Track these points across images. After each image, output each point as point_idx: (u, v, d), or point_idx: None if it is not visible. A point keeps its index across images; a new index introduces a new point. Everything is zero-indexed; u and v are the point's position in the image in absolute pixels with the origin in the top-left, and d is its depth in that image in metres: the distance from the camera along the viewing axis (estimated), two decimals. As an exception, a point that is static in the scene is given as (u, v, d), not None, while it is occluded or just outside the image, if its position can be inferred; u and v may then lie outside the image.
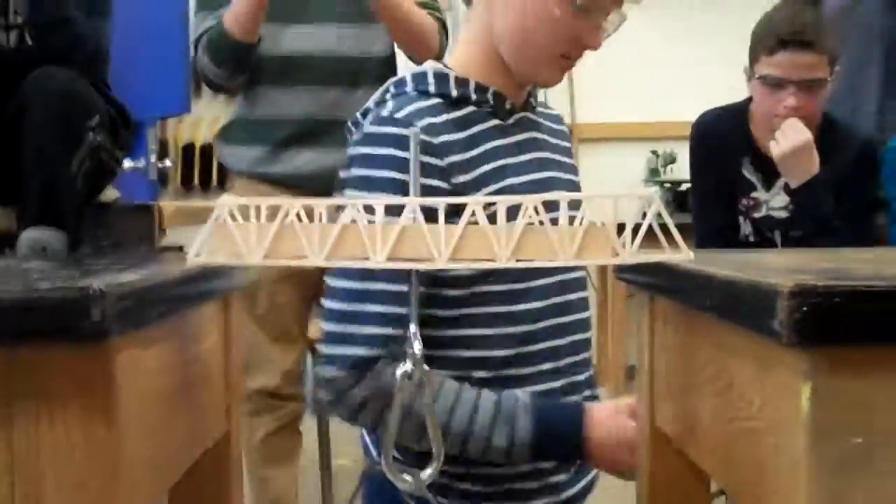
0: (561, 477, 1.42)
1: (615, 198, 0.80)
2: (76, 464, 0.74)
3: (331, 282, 1.35)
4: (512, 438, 1.30)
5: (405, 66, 2.63)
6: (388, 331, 1.30)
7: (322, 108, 2.54)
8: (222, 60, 2.51)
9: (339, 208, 0.82)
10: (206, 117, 4.88)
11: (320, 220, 0.82)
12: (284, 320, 2.60)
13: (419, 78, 1.41)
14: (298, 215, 0.82)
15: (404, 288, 1.31)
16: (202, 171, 5.09)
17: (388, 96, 1.42)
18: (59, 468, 0.74)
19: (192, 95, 3.66)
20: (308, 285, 2.61)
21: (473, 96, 1.40)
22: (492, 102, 1.41)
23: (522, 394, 1.32)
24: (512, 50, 1.40)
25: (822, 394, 0.72)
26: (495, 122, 1.41)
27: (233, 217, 0.83)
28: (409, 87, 1.41)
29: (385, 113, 1.37)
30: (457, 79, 1.40)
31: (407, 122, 1.34)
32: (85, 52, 2.37)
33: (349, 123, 1.45)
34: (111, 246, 2.52)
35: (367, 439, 1.47)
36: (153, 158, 3.16)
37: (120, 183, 2.79)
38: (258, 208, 0.84)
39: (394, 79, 1.44)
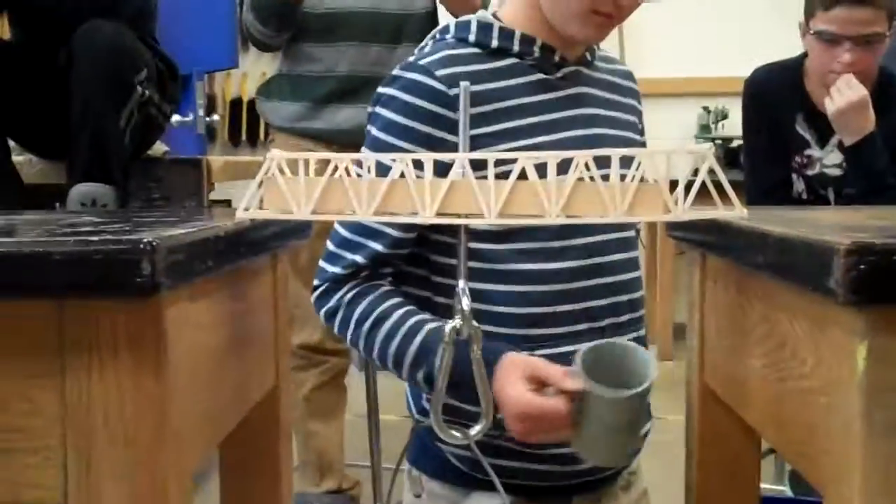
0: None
1: (668, 154, 0.79)
2: (126, 416, 0.74)
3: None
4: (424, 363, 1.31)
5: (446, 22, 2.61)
6: (357, 258, 1.33)
7: (363, 65, 2.53)
8: (267, 18, 2.51)
9: (380, 164, 0.82)
10: (254, 72, 4.89)
11: (369, 173, 0.81)
12: None
13: (462, 26, 1.39)
14: (347, 170, 0.82)
15: (374, 224, 1.31)
16: (249, 126, 5.10)
17: (429, 42, 1.40)
18: (110, 420, 0.74)
19: (240, 50, 3.67)
20: None
21: (516, 48, 1.38)
22: (537, 55, 1.39)
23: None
24: (544, 3, 1.38)
25: (878, 354, 0.71)
26: (539, 75, 1.39)
27: (281, 171, 0.83)
28: (450, 35, 1.39)
29: (411, 58, 1.36)
30: (501, 29, 1.38)
31: (426, 70, 1.33)
32: (132, 5, 2.37)
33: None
34: (160, 200, 2.54)
35: (410, 396, 1.47)
36: (201, 113, 3.17)
37: (168, 137, 2.80)
38: (307, 163, 0.83)
39: (440, 27, 1.43)
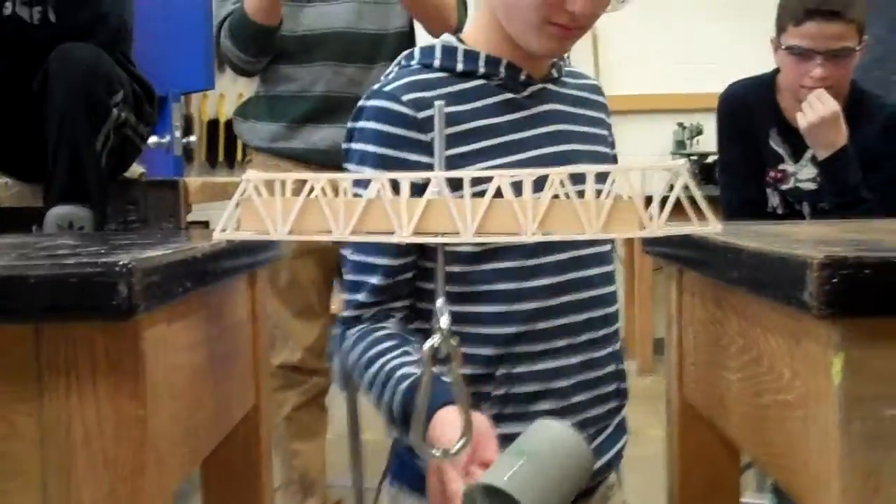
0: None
1: (643, 170, 0.79)
2: (106, 438, 0.74)
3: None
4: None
5: (424, 41, 2.62)
6: (359, 297, 1.34)
7: (339, 85, 2.54)
8: (246, 45, 2.52)
9: (361, 183, 0.82)
10: (230, 93, 4.89)
11: (345, 194, 0.82)
12: (306, 295, 2.61)
13: (426, 52, 1.40)
14: (324, 190, 0.82)
15: (369, 259, 1.34)
16: (227, 147, 5.09)
17: (394, 69, 1.41)
18: (90, 443, 0.74)
19: (216, 71, 3.67)
20: (329, 260, 2.62)
21: (482, 69, 1.38)
22: (503, 75, 1.39)
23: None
24: (503, 18, 1.39)
25: (854, 365, 0.72)
26: (507, 95, 1.39)
27: (258, 192, 0.83)
28: (415, 61, 1.40)
29: (376, 86, 1.37)
30: (466, 52, 1.39)
31: (391, 95, 1.34)
32: (108, 28, 2.37)
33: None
34: (137, 222, 2.53)
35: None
36: (178, 134, 3.17)
37: (145, 159, 2.79)
38: (283, 183, 0.83)
39: (405, 52, 1.43)
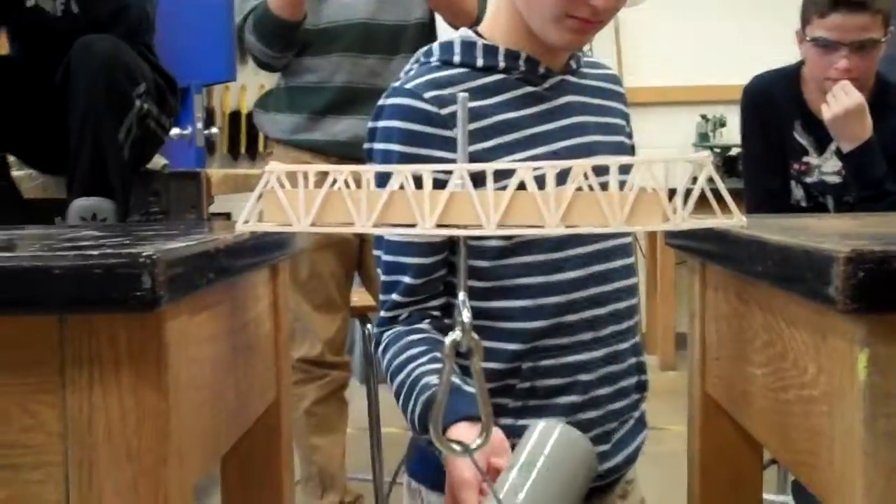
0: (602, 448, 1.41)
1: (667, 162, 0.79)
2: (128, 431, 0.74)
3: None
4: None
5: (444, 32, 2.62)
6: (393, 297, 1.34)
7: (359, 76, 2.54)
8: (271, 40, 2.52)
9: (384, 179, 0.82)
10: (252, 85, 4.89)
11: (368, 186, 0.81)
12: (326, 289, 2.61)
13: (445, 47, 1.40)
14: (346, 182, 0.82)
15: (401, 259, 1.33)
16: (248, 139, 5.10)
17: (413, 66, 1.41)
18: (112, 435, 0.74)
19: (238, 63, 3.67)
20: (349, 254, 2.62)
21: (502, 63, 1.38)
22: (523, 68, 1.39)
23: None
24: (524, 11, 1.39)
25: (879, 361, 0.71)
26: (528, 88, 1.39)
27: (281, 184, 0.83)
28: (434, 57, 1.40)
29: (396, 84, 1.37)
30: (485, 46, 1.38)
31: (412, 93, 1.33)
32: (129, 19, 2.37)
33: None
34: (160, 213, 2.54)
35: None
36: (200, 126, 3.17)
37: (167, 150, 2.80)
38: (306, 175, 0.83)
39: (423, 49, 1.43)
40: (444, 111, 1.33)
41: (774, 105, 2.50)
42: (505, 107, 1.36)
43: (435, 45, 1.42)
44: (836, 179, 2.45)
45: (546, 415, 1.35)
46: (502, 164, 0.82)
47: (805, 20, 2.37)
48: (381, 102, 1.38)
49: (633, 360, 1.43)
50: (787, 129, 2.48)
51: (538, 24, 1.37)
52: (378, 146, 1.36)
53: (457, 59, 1.38)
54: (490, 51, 1.38)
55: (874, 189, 2.31)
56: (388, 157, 1.33)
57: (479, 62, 1.38)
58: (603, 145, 1.43)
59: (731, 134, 5.07)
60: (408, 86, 1.35)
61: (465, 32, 1.42)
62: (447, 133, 1.32)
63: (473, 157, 1.32)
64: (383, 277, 1.36)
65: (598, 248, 1.38)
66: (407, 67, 1.44)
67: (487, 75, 1.37)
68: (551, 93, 1.40)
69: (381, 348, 1.35)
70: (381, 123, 1.36)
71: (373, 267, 2.60)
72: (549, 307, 1.35)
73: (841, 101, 2.28)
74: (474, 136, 1.32)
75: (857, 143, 2.30)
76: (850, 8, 2.27)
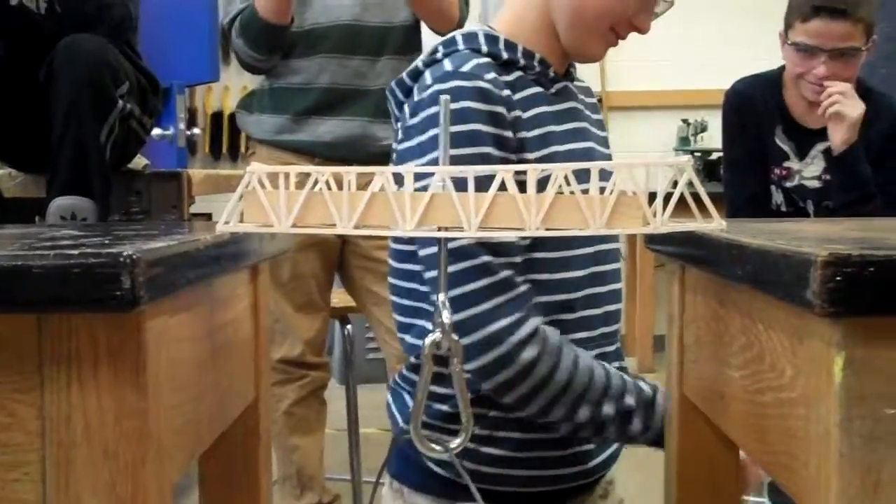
0: (588, 447, 1.42)
1: (647, 166, 0.79)
2: (107, 430, 0.74)
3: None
4: (618, 410, 1.32)
5: (430, 35, 2.62)
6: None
7: (344, 77, 2.54)
8: (258, 43, 2.52)
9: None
10: (235, 85, 4.89)
11: (349, 188, 0.82)
12: (307, 289, 2.61)
13: (470, 38, 1.39)
14: (327, 183, 0.82)
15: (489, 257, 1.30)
16: (231, 139, 5.09)
17: (439, 55, 1.39)
18: (90, 434, 0.74)
19: (221, 63, 3.67)
20: (330, 255, 2.62)
21: (521, 61, 1.38)
22: (538, 69, 1.40)
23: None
24: (566, 19, 1.39)
25: (856, 364, 0.72)
26: (539, 89, 1.40)
27: (262, 185, 0.83)
28: (462, 46, 1.38)
29: (449, 68, 1.34)
30: (506, 42, 1.39)
31: (473, 76, 1.32)
32: (111, 18, 2.37)
33: (392, 86, 1.42)
34: (140, 213, 2.53)
35: (393, 408, 1.47)
36: (182, 126, 3.17)
37: (149, 150, 2.80)
38: (287, 176, 0.83)
39: (443, 40, 1.41)
40: (503, 93, 1.33)
41: (756, 110, 2.51)
42: (531, 102, 1.37)
43: (457, 36, 1.40)
44: (816, 184, 2.46)
45: None
46: (484, 167, 0.82)
47: (788, 24, 2.39)
48: (436, 88, 1.33)
49: (616, 364, 1.44)
50: (769, 133, 2.50)
51: (577, 35, 1.39)
52: (454, 129, 1.29)
53: (484, 48, 1.37)
54: (511, 47, 1.38)
55: (862, 190, 2.32)
56: (475, 139, 1.30)
57: (504, 55, 1.38)
58: (597, 153, 1.45)
59: (712, 138, 5.09)
60: (464, 69, 1.33)
61: (483, 26, 1.42)
62: (507, 114, 1.32)
63: (526, 143, 1.33)
64: (486, 257, 1.31)
65: (599, 249, 1.39)
66: (424, 58, 1.39)
67: (510, 71, 1.37)
68: (557, 97, 1.41)
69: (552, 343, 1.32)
70: (437, 109, 1.31)
71: (353, 268, 2.61)
72: (552, 304, 1.35)
73: (856, 106, 2.28)
74: (523, 124, 1.33)
75: (847, 146, 2.31)
76: (831, 15, 2.29)
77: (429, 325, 1.34)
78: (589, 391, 1.31)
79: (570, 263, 1.37)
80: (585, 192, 0.78)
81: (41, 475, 0.75)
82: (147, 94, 2.49)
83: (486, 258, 1.28)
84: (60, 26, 2.25)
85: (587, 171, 0.79)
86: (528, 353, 1.28)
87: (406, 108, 1.38)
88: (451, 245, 1.28)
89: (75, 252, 0.72)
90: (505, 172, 0.79)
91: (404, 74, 1.40)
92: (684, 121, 5.36)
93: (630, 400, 1.32)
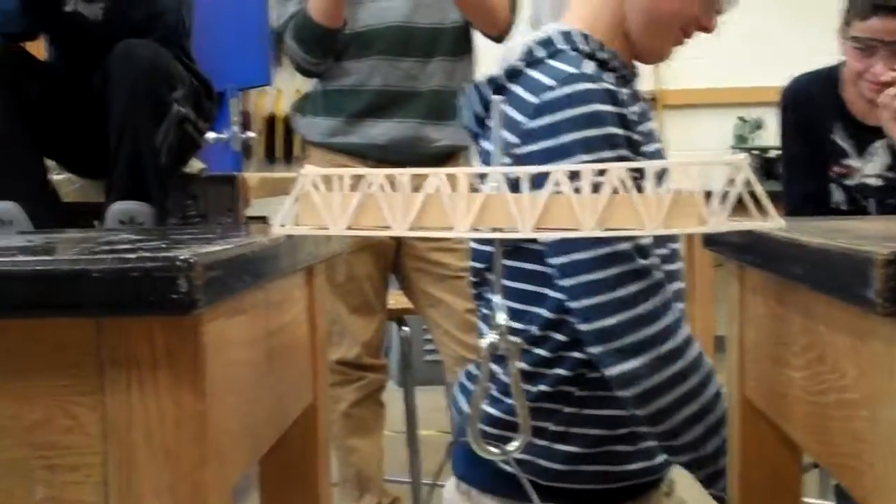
0: (653, 442, 1.41)
1: (703, 165, 0.78)
2: (167, 433, 0.75)
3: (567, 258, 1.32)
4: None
5: (482, 38, 2.61)
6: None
7: (396, 79, 2.54)
8: (311, 47, 2.53)
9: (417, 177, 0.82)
10: (288, 89, 4.92)
11: (403, 189, 0.82)
12: (363, 291, 2.61)
13: (567, 37, 1.37)
14: (381, 185, 0.82)
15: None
16: (285, 142, 5.13)
17: (541, 55, 1.36)
18: (151, 437, 0.75)
19: (273, 67, 3.69)
20: (385, 256, 2.62)
21: (611, 63, 1.38)
22: (619, 71, 1.40)
23: None
24: (642, 20, 1.39)
25: (920, 364, 0.70)
26: (625, 89, 1.40)
27: (316, 188, 0.84)
28: (563, 45, 1.36)
29: (570, 69, 1.32)
30: (599, 42, 1.39)
31: (598, 78, 1.31)
32: (165, 24, 2.39)
33: (479, 85, 1.40)
34: (197, 217, 2.55)
35: (462, 403, 1.47)
36: (236, 129, 3.19)
37: (205, 154, 2.82)
38: (341, 179, 0.84)
39: (538, 39, 1.38)
40: (622, 97, 1.34)
41: (814, 107, 2.48)
42: (627, 103, 1.36)
43: (553, 35, 1.38)
44: (878, 182, 2.42)
45: (608, 407, 1.35)
46: (540, 167, 0.81)
47: (846, 21, 2.36)
48: (564, 92, 1.31)
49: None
50: (827, 131, 2.46)
51: (650, 36, 1.39)
52: (586, 134, 1.29)
53: (584, 49, 1.37)
54: (601, 47, 1.38)
55: None
56: (614, 143, 1.29)
57: (601, 56, 1.37)
58: (663, 155, 1.45)
59: (769, 136, 5.03)
60: (587, 71, 1.32)
61: (569, 25, 1.41)
62: (626, 113, 1.32)
63: (641, 138, 1.34)
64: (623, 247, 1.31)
65: (672, 248, 1.39)
66: (520, 56, 1.37)
67: (604, 70, 1.37)
68: (634, 98, 1.41)
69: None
70: (578, 110, 1.30)
71: (409, 270, 2.61)
72: None
73: None
74: (634, 122, 1.33)
75: None
76: (891, 12, 2.25)
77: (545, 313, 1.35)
78: (723, 420, 1.30)
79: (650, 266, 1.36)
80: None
81: (103, 477, 0.75)
82: (201, 99, 2.51)
83: (642, 262, 1.29)
84: (114, 33, 2.27)
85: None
86: (693, 352, 1.30)
87: (510, 109, 1.35)
88: (603, 249, 1.28)
89: (133, 256, 0.72)
90: (559, 173, 0.79)
91: (502, 73, 1.37)
92: (741, 118, 5.30)
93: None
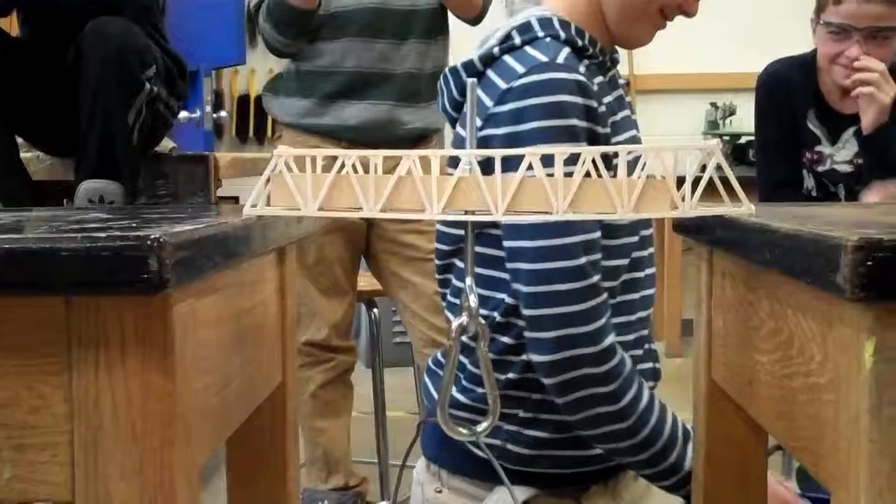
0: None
1: (675, 150, 0.79)
2: (134, 413, 0.75)
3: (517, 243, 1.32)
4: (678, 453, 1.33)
5: (456, 20, 2.61)
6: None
7: (369, 60, 2.53)
8: (284, 28, 2.51)
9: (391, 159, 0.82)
10: (262, 68, 4.89)
11: (375, 171, 0.81)
12: (333, 272, 2.61)
13: (546, 23, 1.36)
14: (354, 167, 0.82)
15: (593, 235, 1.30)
16: (257, 122, 5.09)
17: (517, 42, 1.36)
18: (118, 417, 0.75)
19: (248, 46, 3.66)
20: (356, 238, 2.62)
21: (590, 49, 1.38)
22: (599, 58, 1.40)
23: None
24: (616, 4, 1.38)
25: (886, 350, 0.71)
26: (602, 77, 1.39)
27: (289, 168, 0.83)
28: (540, 32, 1.35)
29: (542, 58, 1.32)
30: (577, 28, 1.38)
31: (569, 68, 1.30)
32: (138, 2, 2.37)
33: (457, 67, 1.39)
34: (167, 196, 2.54)
35: (431, 387, 1.48)
36: (208, 109, 3.17)
37: (176, 133, 2.80)
38: (314, 159, 0.83)
39: (517, 25, 1.38)
40: (594, 88, 1.33)
41: (789, 93, 2.49)
42: (601, 92, 1.36)
43: (532, 21, 1.37)
44: (848, 168, 2.44)
45: None
46: (511, 150, 0.81)
47: (820, 6, 2.36)
48: (526, 80, 1.31)
49: (647, 346, 1.44)
50: (801, 117, 2.47)
51: (628, 19, 1.38)
52: (548, 123, 1.29)
53: (562, 35, 1.36)
54: (580, 33, 1.38)
55: (892, 173, 2.30)
56: (573, 134, 1.28)
57: (579, 43, 1.37)
58: (639, 140, 1.44)
59: (741, 122, 5.05)
60: (559, 61, 1.31)
61: (550, 10, 1.40)
62: (598, 107, 1.32)
63: (615, 126, 1.34)
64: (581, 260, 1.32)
65: (641, 235, 1.39)
66: (496, 42, 1.36)
67: (580, 59, 1.37)
68: (611, 85, 1.41)
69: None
70: (546, 99, 1.29)
71: (379, 252, 2.61)
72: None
73: (890, 90, 2.25)
74: (605, 115, 1.33)
75: (878, 129, 2.29)
76: None
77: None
78: (656, 436, 1.32)
79: (618, 251, 1.36)
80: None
81: (69, 457, 0.75)
82: (174, 77, 2.49)
83: (583, 259, 1.28)
84: (86, 9, 2.25)
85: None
86: (613, 362, 1.30)
87: (481, 93, 1.35)
88: (551, 242, 1.28)
89: (103, 235, 0.72)
90: (532, 156, 0.79)
91: (475, 57, 1.37)
92: (713, 104, 5.32)
93: (672, 458, 1.33)
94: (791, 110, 2.48)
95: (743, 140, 4.93)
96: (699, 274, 1.18)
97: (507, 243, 1.32)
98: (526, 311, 1.30)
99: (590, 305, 1.29)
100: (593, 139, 1.29)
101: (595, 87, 1.34)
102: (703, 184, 0.79)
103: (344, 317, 2.65)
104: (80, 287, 0.72)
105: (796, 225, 0.81)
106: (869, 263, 0.68)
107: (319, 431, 2.68)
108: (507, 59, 1.33)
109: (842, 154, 2.43)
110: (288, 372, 1.18)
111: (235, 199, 3.27)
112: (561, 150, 0.79)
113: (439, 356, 1.51)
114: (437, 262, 1.46)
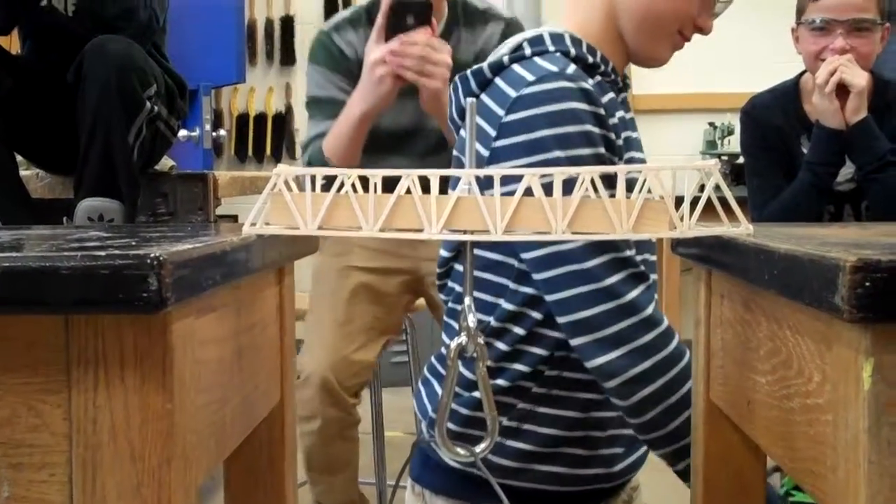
0: (615, 450, 1.41)
1: (674, 170, 0.79)
2: (133, 432, 0.75)
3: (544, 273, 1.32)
4: None
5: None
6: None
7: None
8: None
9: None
10: (261, 87, 4.90)
11: (374, 190, 0.82)
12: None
13: (557, 39, 1.37)
14: (353, 186, 0.82)
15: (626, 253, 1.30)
16: (256, 141, 5.11)
17: (526, 52, 1.36)
18: (116, 436, 0.75)
19: (247, 65, 3.67)
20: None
21: (601, 66, 1.38)
22: (612, 76, 1.40)
23: None
24: (635, 22, 1.38)
25: (885, 371, 0.71)
26: (613, 95, 1.40)
27: (288, 187, 0.83)
28: (551, 46, 1.36)
29: (552, 68, 1.32)
30: (588, 46, 1.38)
31: (577, 78, 1.31)
32: (138, 20, 2.38)
33: (467, 75, 1.39)
34: (167, 215, 2.54)
35: (424, 397, 1.47)
36: (208, 127, 3.18)
37: (175, 152, 2.81)
38: (313, 178, 0.84)
39: (526, 35, 1.38)
40: (604, 98, 1.34)
41: (776, 123, 2.49)
42: (611, 107, 1.37)
43: (544, 34, 1.38)
44: (850, 186, 2.43)
45: (564, 407, 1.35)
46: (512, 170, 0.82)
47: (800, 9, 2.38)
48: (543, 88, 1.31)
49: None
50: (794, 142, 2.48)
51: (647, 38, 1.39)
52: (563, 130, 1.29)
53: (572, 52, 1.36)
54: (592, 51, 1.38)
55: (880, 159, 2.30)
56: (591, 140, 1.29)
57: (590, 59, 1.37)
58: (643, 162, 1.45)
59: (739, 142, 5.06)
60: (568, 71, 1.32)
61: (563, 27, 1.40)
62: (610, 118, 1.32)
63: (627, 143, 1.34)
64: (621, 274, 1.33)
65: (646, 258, 1.39)
66: (507, 50, 1.37)
67: (591, 75, 1.37)
68: (623, 105, 1.41)
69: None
70: (556, 107, 1.30)
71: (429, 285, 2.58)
72: None
73: (860, 75, 2.26)
74: (621, 126, 1.33)
75: (859, 117, 2.29)
76: None
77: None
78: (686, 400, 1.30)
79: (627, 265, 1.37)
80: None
81: (68, 476, 0.75)
82: (174, 96, 2.50)
83: (628, 252, 1.30)
84: (87, 28, 2.26)
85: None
86: (673, 344, 1.31)
87: (488, 100, 1.35)
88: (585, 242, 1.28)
89: (102, 253, 0.72)
90: (531, 176, 0.79)
91: (485, 65, 1.37)
92: (711, 124, 5.33)
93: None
94: (782, 138, 2.48)
95: (741, 160, 4.93)
96: (697, 294, 1.18)
97: (532, 253, 1.32)
98: (575, 315, 1.30)
99: (642, 288, 1.31)
100: (609, 146, 1.30)
101: (605, 100, 1.34)
102: (701, 204, 0.79)
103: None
104: (80, 306, 0.72)
105: (794, 245, 0.81)
106: (867, 284, 0.69)
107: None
108: (516, 67, 1.34)
109: (842, 173, 2.43)
110: (286, 391, 1.18)
111: (234, 218, 3.28)
112: (560, 171, 0.79)
113: (434, 362, 1.50)
114: (437, 268, 1.47)
